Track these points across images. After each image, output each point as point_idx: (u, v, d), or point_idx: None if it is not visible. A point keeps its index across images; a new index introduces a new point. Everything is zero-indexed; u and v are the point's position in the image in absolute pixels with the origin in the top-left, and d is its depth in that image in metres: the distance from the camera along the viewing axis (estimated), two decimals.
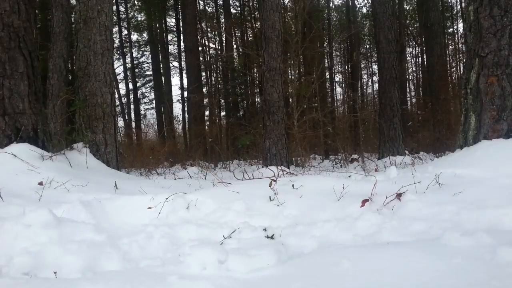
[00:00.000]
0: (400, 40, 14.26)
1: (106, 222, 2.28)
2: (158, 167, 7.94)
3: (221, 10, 19.67)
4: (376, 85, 18.51)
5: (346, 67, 21.59)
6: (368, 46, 22.21)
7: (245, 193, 2.67)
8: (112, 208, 2.44)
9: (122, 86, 22.00)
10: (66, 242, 1.74)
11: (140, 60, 23.64)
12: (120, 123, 18.03)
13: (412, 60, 21.19)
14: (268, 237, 2.00)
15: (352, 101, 15.01)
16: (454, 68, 17.96)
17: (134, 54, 23.22)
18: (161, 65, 20.80)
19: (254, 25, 17.57)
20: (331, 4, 21.35)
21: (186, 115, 18.42)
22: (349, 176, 3.36)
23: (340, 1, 22.45)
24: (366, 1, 20.72)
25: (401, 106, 8.55)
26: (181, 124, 19.70)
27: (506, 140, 3.19)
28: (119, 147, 5.41)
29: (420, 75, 18.62)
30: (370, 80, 23.00)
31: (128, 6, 21.73)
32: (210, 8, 21.14)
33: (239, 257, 1.64)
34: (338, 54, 21.77)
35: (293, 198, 2.55)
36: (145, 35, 22.69)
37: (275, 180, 2.68)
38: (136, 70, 23.11)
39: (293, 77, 10.40)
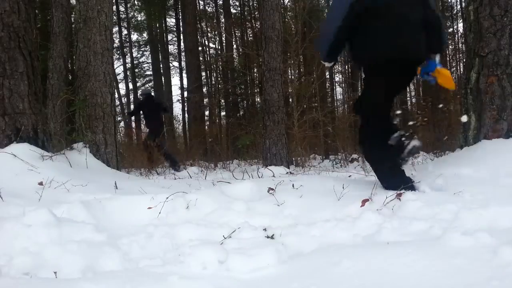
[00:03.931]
0: None
1: (106, 222, 2.28)
2: (158, 167, 7.95)
3: (221, 10, 19.67)
4: None
5: (346, 67, 21.58)
6: None
7: (245, 193, 2.67)
8: (112, 208, 2.44)
9: (122, 86, 22.02)
10: (66, 242, 1.74)
11: (140, 60, 23.66)
12: (120, 123, 18.02)
13: None
14: (268, 237, 2.01)
15: (352, 101, 15.01)
16: (454, 68, 17.96)
17: (134, 54, 23.24)
18: (161, 65, 20.80)
19: (254, 25, 17.57)
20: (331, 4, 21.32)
21: (186, 115, 18.43)
22: (349, 176, 3.36)
23: None
24: None
25: (401, 106, 8.55)
26: (181, 124, 19.70)
27: (506, 140, 3.19)
28: (119, 147, 5.41)
29: None
30: None
31: (128, 6, 21.73)
32: (210, 8, 21.14)
33: (239, 257, 1.64)
34: None
35: (293, 198, 2.55)
36: (145, 35, 22.70)
37: (273, 189, 2.68)
38: (136, 70, 23.11)
39: (293, 77, 10.40)
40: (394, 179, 2.52)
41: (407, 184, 2.46)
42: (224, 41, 19.59)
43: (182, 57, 20.61)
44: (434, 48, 2.65)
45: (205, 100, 17.44)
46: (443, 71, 2.59)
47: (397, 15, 2.53)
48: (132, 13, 22.07)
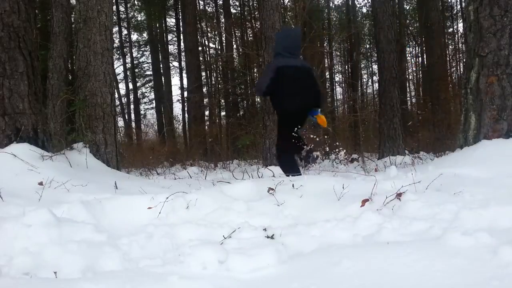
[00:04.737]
0: (400, 39, 14.26)
1: (106, 222, 2.28)
2: (158, 167, 7.95)
3: (221, 10, 19.66)
4: (376, 85, 18.50)
5: (346, 67, 21.60)
6: (368, 46, 22.20)
7: (245, 193, 2.67)
8: (112, 208, 2.44)
9: (122, 86, 22.02)
10: (66, 242, 1.74)
11: (140, 60, 23.64)
12: (120, 123, 18.05)
13: (412, 60, 21.18)
14: (268, 237, 2.00)
15: (352, 101, 15.01)
16: (454, 68, 17.97)
17: (134, 54, 23.23)
18: (161, 65, 20.79)
19: (254, 25, 17.55)
20: (331, 4, 21.34)
21: (186, 115, 18.44)
22: None
23: (340, 1, 22.47)
24: (366, 1, 20.73)
25: (401, 106, 8.55)
26: (181, 124, 19.73)
27: (506, 140, 3.20)
28: (119, 147, 5.41)
29: (420, 75, 18.61)
30: (370, 80, 23.00)
31: (128, 6, 21.73)
32: (210, 8, 21.13)
33: (239, 257, 1.64)
34: (338, 54, 21.75)
35: (293, 198, 2.54)
36: (145, 35, 22.70)
37: (273, 189, 2.68)
38: (136, 70, 23.10)
39: None
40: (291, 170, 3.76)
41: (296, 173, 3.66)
42: (224, 41, 19.58)
43: (182, 57, 20.61)
44: (315, 105, 3.96)
45: (205, 100, 17.44)
46: (320, 116, 3.96)
47: (296, 83, 3.82)
48: (132, 13, 22.07)
